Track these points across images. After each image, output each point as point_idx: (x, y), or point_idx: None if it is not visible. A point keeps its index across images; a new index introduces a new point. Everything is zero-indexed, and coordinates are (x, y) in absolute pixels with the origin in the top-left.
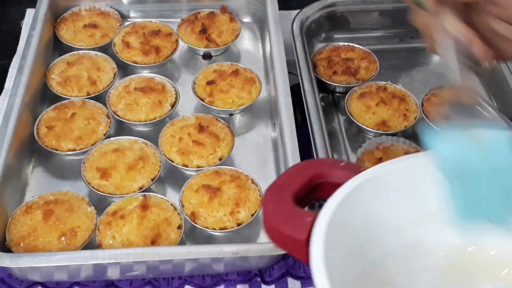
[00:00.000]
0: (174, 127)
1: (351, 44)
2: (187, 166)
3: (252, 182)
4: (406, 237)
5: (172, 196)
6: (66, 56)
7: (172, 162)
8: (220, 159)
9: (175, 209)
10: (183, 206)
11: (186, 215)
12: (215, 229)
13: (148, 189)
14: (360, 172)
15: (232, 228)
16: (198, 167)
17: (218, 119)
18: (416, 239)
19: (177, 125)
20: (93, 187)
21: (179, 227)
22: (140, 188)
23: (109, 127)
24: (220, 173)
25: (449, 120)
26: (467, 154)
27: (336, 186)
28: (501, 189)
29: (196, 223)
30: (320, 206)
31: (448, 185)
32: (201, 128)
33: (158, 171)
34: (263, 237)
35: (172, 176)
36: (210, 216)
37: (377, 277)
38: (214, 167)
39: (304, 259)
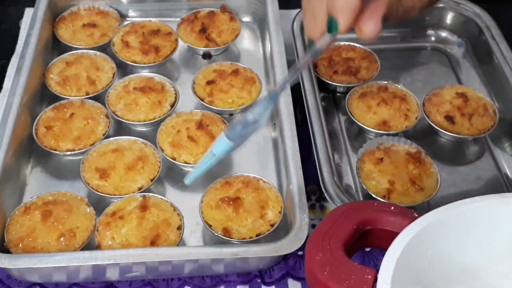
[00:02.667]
0: (179, 119)
1: (352, 43)
2: (174, 159)
3: (264, 182)
4: (471, 283)
5: (171, 196)
6: (65, 55)
7: (163, 151)
8: None
9: (174, 209)
10: (210, 226)
11: (219, 234)
12: (252, 238)
13: (148, 190)
14: (414, 218)
15: (268, 231)
16: (185, 162)
17: (224, 120)
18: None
19: (182, 118)
20: (92, 188)
21: (178, 228)
22: (139, 189)
23: (108, 127)
24: (230, 183)
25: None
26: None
27: (388, 233)
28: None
29: (232, 238)
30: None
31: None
32: (200, 125)
33: (158, 172)
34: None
35: (171, 176)
36: (241, 227)
37: None
38: (221, 179)
39: None
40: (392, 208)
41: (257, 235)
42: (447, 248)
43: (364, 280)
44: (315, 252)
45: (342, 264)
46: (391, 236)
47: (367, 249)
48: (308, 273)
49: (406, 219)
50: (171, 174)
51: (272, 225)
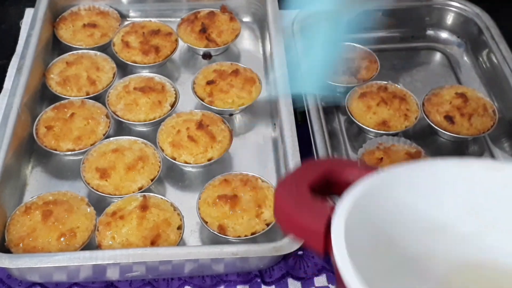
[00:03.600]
0: (179, 119)
1: (352, 43)
2: (174, 159)
3: (262, 181)
4: (425, 240)
5: (171, 196)
6: (65, 55)
7: (163, 151)
8: (209, 160)
9: (174, 209)
10: (206, 222)
11: (214, 231)
12: (247, 236)
13: (148, 190)
14: (378, 171)
15: (263, 230)
16: (185, 162)
17: (224, 121)
18: (430, 245)
19: (182, 118)
20: (92, 188)
21: (178, 228)
22: (139, 189)
23: (108, 127)
24: (229, 181)
25: None
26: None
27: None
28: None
29: (227, 236)
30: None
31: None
32: (200, 125)
33: (158, 171)
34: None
35: (171, 176)
36: (237, 225)
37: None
38: (220, 176)
39: (320, 250)
40: (358, 164)
41: (252, 234)
42: (410, 202)
43: (324, 211)
44: (282, 190)
45: (305, 198)
46: None
47: None
48: (275, 208)
49: (371, 171)
50: (171, 174)
51: (267, 224)
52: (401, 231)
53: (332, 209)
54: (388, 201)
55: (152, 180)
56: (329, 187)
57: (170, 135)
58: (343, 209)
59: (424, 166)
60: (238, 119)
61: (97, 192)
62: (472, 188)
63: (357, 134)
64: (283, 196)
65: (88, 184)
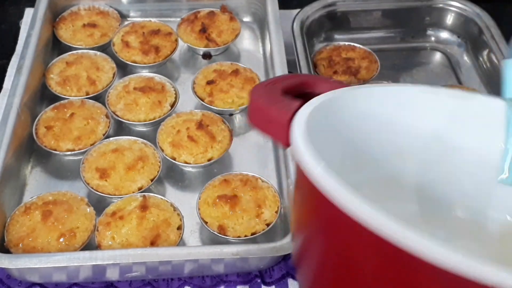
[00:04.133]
0: (179, 119)
1: (352, 43)
2: (174, 159)
3: (262, 181)
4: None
5: (171, 196)
6: (65, 55)
7: (163, 151)
8: (209, 160)
9: (174, 209)
10: (206, 222)
11: (214, 231)
12: (247, 236)
13: (148, 190)
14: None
15: (263, 230)
16: (185, 162)
17: (224, 121)
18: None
19: (182, 118)
20: (92, 188)
21: (178, 228)
22: (139, 189)
23: (108, 127)
24: (228, 181)
25: None
26: None
27: None
28: None
29: (227, 236)
30: None
31: None
32: (200, 125)
33: (158, 172)
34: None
35: (171, 176)
36: (237, 225)
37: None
38: (220, 176)
39: (283, 141)
40: (332, 80)
41: (252, 234)
42: (373, 114)
43: (292, 106)
44: (257, 89)
45: (277, 96)
46: None
47: None
48: (249, 105)
49: (342, 86)
50: (171, 174)
51: (267, 225)
52: (363, 137)
53: (300, 105)
54: (352, 109)
55: (152, 180)
56: (302, 97)
57: (170, 135)
58: (310, 104)
59: (392, 89)
60: (238, 119)
61: (97, 192)
62: (437, 114)
63: None
64: (257, 92)
65: (88, 184)
